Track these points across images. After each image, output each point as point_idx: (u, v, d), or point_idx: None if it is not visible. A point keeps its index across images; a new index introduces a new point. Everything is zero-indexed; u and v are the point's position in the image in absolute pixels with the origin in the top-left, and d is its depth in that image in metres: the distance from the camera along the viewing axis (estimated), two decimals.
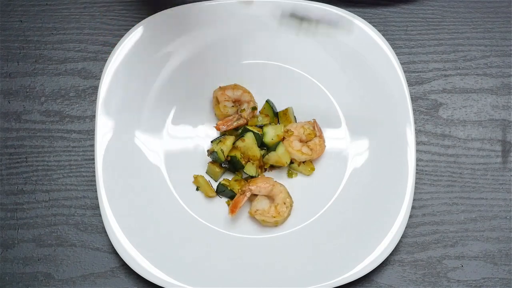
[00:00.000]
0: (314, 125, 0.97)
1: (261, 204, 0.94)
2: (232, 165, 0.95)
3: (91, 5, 1.04)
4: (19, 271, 0.94)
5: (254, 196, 0.94)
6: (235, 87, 0.99)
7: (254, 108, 0.98)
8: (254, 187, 0.93)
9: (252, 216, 0.94)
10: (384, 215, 0.92)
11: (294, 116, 0.98)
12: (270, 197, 0.94)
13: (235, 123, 0.96)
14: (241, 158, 0.95)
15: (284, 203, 0.93)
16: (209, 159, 0.96)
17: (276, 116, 0.98)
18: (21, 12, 1.04)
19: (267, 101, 0.98)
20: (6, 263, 0.94)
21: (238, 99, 0.98)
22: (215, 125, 0.97)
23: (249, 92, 0.99)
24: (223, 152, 0.94)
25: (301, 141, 0.96)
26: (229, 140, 0.95)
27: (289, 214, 0.94)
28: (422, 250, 0.94)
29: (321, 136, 0.97)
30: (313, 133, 0.96)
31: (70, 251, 0.94)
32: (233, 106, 0.98)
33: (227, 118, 0.97)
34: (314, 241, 0.93)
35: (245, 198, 0.93)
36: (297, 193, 0.95)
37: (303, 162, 0.96)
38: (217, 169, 0.96)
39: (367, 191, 0.94)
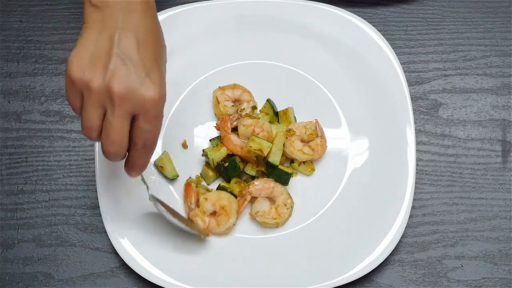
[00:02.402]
0: (316, 125, 0.97)
1: (262, 205, 0.94)
2: (227, 171, 0.94)
3: None
4: (19, 271, 0.94)
5: (254, 197, 0.94)
6: (234, 86, 0.99)
7: (254, 108, 0.98)
8: (253, 189, 0.93)
9: (253, 218, 0.94)
10: (384, 215, 0.92)
11: (294, 116, 0.98)
12: (270, 199, 0.94)
13: (234, 123, 0.96)
14: (240, 162, 0.94)
15: (285, 205, 0.93)
16: (205, 160, 0.96)
17: (276, 115, 0.98)
18: (21, 12, 1.04)
19: (268, 100, 0.98)
20: (6, 263, 0.94)
21: (238, 98, 0.98)
22: (215, 125, 0.97)
23: (248, 92, 0.99)
24: (213, 161, 0.94)
25: (302, 141, 0.96)
26: (224, 149, 0.94)
27: (290, 215, 0.94)
28: (422, 250, 0.94)
29: (323, 137, 0.97)
30: (315, 133, 0.96)
31: (70, 251, 0.94)
32: (233, 105, 0.98)
33: (226, 117, 0.96)
34: (314, 241, 0.93)
35: (246, 202, 0.93)
36: (297, 193, 0.95)
37: (304, 162, 0.96)
38: (211, 173, 0.95)
39: (367, 191, 0.94)
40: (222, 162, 0.94)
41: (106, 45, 0.74)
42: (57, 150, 0.98)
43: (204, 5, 1.00)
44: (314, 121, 0.97)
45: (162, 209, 0.89)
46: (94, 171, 0.94)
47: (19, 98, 1.01)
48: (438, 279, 0.93)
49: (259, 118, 0.95)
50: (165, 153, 0.95)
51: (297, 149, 0.95)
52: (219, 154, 0.94)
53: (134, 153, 0.78)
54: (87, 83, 0.73)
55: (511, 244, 0.95)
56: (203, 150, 0.95)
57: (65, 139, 0.99)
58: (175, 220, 0.89)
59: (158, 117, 0.76)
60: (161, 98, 0.75)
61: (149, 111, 0.74)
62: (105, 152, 0.77)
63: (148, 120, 0.75)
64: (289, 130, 0.96)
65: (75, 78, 0.73)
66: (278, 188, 0.93)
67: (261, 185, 0.93)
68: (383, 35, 1.01)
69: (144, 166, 0.81)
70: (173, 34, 0.98)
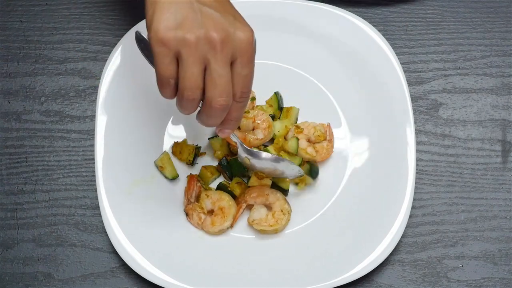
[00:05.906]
0: (327, 128, 0.96)
1: (259, 213, 0.93)
2: (231, 168, 0.94)
3: (91, 5, 1.04)
4: (19, 271, 0.94)
5: (251, 204, 0.94)
6: None
7: (253, 99, 0.98)
8: (248, 197, 0.93)
9: (251, 226, 0.93)
10: (384, 215, 0.92)
11: (296, 118, 0.98)
12: (267, 206, 0.94)
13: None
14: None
15: (282, 211, 0.93)
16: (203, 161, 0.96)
17: (280, 110, 0.98)
18: (21, 12, 1.04)
19: (276, 93, 0.98)
20: (6, 263, 0.94)
21: None
22: None
23: None
24: (217, 153, 0.94)
25: (309, 141, 0.96)
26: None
27: (288, 221, 0.93)
28: (422, 250, 0.94)
29: (330, 141, 0.96)
30: (323, 135, 0.95)
31: (70, 251, 0.94)
32: None
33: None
34: (314, 241, 0.93)
35: (241, 211, 0.93)
36: (297, 194, 0.95)
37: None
38: (209, 174, 0.95)
39: (367, 191, 0.94)
40: (226, 157, 0.94)
41: (185, 5, 0.73)
42: (57, 150, 0.98)
43: None
44: (327, 124, 0.97)
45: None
46: (94, 171, 0.94)
47: (19, 98, 1.01)
48: (438, 279, 0.93)
49: (257, 110, 0.95)
50: (165, 153, 0.95)
51: (300, 147, 0.95)
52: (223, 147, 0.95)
53: (233, 105, 0.77)
54: (183, 39, 0.72)
55: (511, 244, 0.95)
56: (209, 139, 0.96)
57: (65, 139, 0.99)
58: None
59: (253, 60, 0.76)
60: (254, 39, 0.75)
61: (246, 53, 0.74)
62: (214, 108, 0.75)
63: (245, 63, 0.75)
64: (298, 127, 0.95)
65: (168, 39, 0.72)
66: (273, 194, 0.93)
67: (256, 193, 0.93)
68: (383, 35, 1.01)
69: (239, 119, 0.80)
70: None
